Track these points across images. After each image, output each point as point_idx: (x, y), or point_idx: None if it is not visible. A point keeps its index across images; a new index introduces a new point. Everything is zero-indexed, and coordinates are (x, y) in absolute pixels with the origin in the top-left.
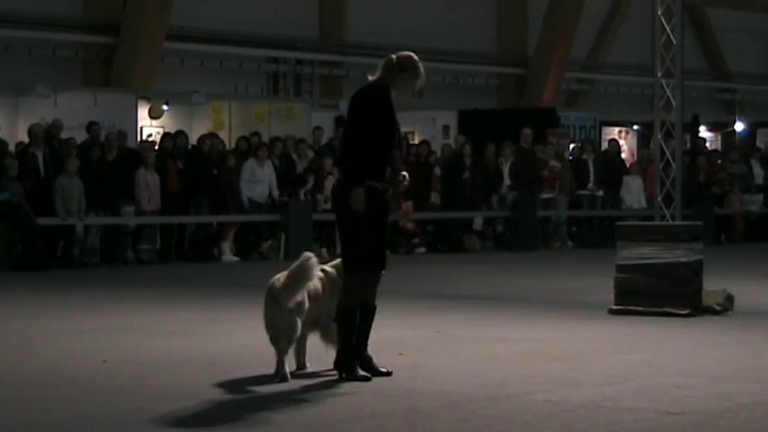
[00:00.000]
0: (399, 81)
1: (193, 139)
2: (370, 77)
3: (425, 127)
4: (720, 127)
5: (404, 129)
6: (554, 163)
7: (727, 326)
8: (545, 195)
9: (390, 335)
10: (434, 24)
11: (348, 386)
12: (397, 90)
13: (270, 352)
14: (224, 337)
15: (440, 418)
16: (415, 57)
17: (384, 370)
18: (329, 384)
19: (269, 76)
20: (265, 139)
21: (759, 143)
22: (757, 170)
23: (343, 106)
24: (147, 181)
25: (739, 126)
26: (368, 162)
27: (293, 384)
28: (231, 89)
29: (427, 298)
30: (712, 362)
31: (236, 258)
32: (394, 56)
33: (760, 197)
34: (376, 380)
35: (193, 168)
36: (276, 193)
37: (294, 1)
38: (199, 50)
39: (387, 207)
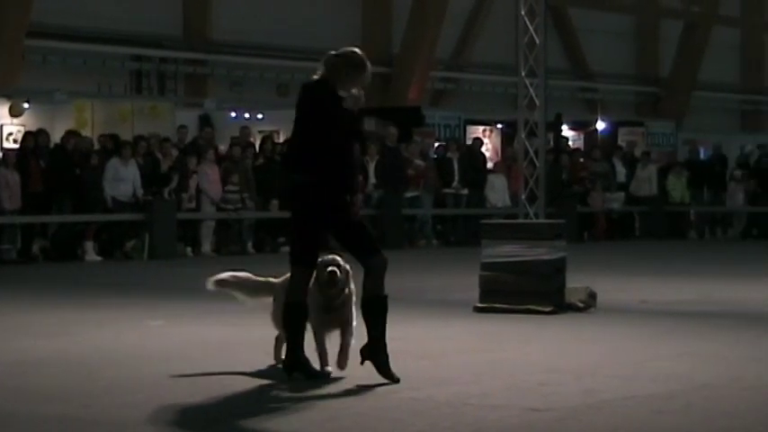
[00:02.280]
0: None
1: (56, 138)
2: (315, 77)
3: (290, 126)
4: (583, 126)
5: (268, 128)
6: (419, 161)
7: (589, 323)
8: (410, 194)
9: (257, 334)
10: (299, 23)
11: (217, 385)
12: (341, 86)
13: (134, 350)
14: (89, 337)
15: (307, 418)
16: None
17: (395, 377)
18: (201, 384)
19: (132, 74)
20: (129, 137)
21: (621, 142)
22: (620, 168)
23: (208, 105)
24: (8, 180)
25: (601, 125)
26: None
27: (171, 384)
28: (94, 87)
29: None
30: (576, 358)
31: (98, 258)
32: (332, 52)
33: (621, 195)
34: (243, 379)
35: (56, 167)
36: (140, 191)
37: None
38: (61, 48)
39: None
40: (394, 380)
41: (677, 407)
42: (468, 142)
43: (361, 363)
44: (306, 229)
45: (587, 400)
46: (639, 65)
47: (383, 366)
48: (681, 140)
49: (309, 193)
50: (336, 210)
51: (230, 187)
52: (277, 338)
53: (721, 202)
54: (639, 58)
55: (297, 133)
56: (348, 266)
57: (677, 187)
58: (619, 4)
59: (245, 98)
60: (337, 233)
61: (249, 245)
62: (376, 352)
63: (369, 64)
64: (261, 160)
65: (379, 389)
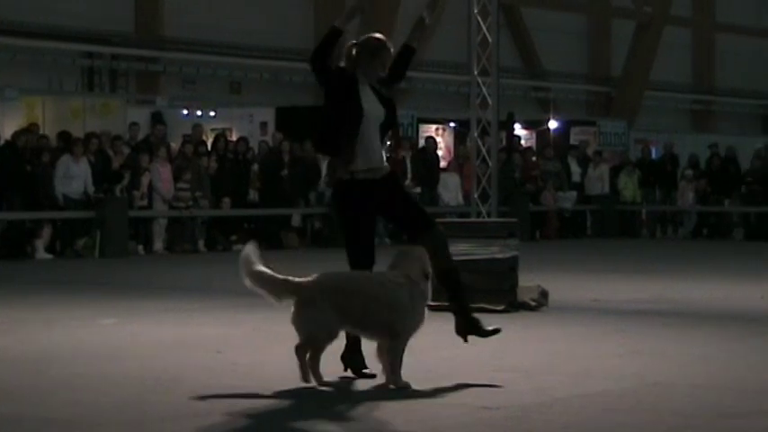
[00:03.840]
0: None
1: (7, 135)
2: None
3: (243, 124)
4: (535, 125)
5: (221, 125)
6: None
7: (541, 321)
8: None
9: (209, 332)
10: (252, 21)
11: (170, 384)
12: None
13: (86, 349)
14: (39, 336)
15: (257, 417)
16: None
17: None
18: (150, 384)
19: (84, 71)
20: (80, 134)
21: (573, 141)
22: (575, 168)
23: (160, 102)
24: None
25: (553, 124)
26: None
27: (123, 383)
28: (45, 84)
29: (245, 295)
30: (528, 357)
31: (49, 256)
32: (353, 41)
33: (574, 194)
34: (197, 378)
35: (6, 164)
36: (92, 189)
37: None
38: (11, 44)
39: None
40: (495, 332)
41: (628, 405)
42: (421, 141)
43: (465, 340)
44: (362, 225)
45: (539, 398)
46: (592, 64)
47: (483, 331)
48: (633, 140)
49: (353, 187)
50: (381, 192)
51: (182, 185)
52: (297, 348)
53: (672, 202)
54: (592, 58)
55: (327, 121)
56: None
57: (629, 186)
58: (571, 3)
59: (198, 95)
60: (388, 213)
61: (201, 243)
62: (472, 325)
63: (389, 45)
64: (214, 158)
65: (330, 387)
